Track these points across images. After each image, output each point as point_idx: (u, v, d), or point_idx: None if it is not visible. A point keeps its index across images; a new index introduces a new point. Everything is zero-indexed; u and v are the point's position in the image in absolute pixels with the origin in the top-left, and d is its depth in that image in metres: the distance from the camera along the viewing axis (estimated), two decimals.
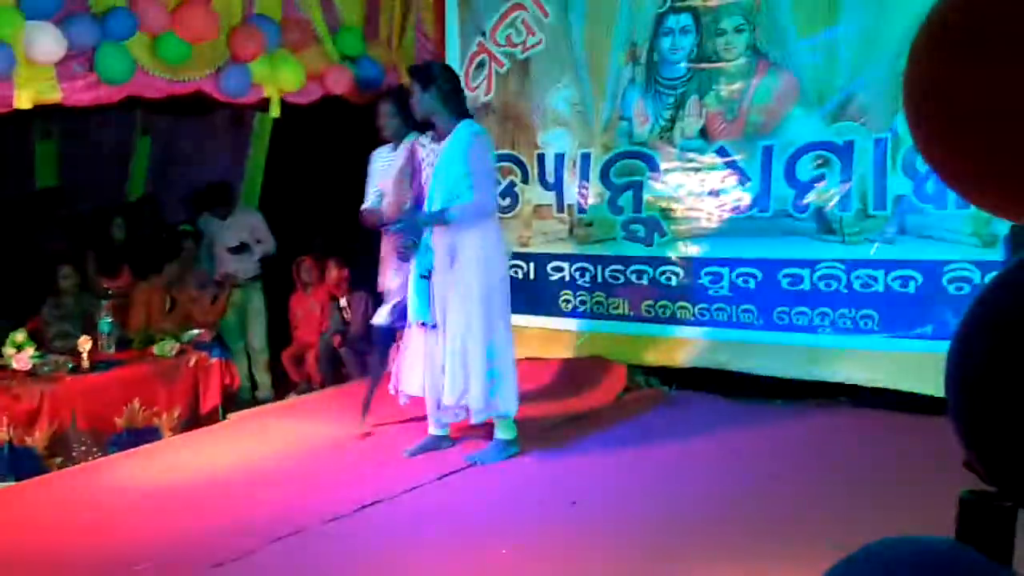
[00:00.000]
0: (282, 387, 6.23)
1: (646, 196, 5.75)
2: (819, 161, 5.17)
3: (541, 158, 6.14)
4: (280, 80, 5.51)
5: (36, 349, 4.95)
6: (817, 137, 5.17)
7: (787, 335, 5.30)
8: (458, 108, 4.33)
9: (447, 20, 6.41)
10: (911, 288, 4.92)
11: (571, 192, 6.03)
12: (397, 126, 4.97)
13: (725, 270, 5.47)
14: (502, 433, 4.43)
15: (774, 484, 3.98)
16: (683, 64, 5.59)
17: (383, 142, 5.12)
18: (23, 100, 4.40)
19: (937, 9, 1.40)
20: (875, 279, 5.03)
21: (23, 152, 7.18)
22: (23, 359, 4.85)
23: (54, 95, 4.52)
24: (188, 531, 3.67)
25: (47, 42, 4.34)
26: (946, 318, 4.77)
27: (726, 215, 5.48)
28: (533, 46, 6.11)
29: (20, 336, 4.91)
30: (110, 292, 5.86)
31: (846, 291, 5.10)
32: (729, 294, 5.47)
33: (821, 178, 5.16)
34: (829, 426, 4.83)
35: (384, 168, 5.02)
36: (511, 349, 4.41)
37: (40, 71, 4.42)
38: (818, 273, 5.18)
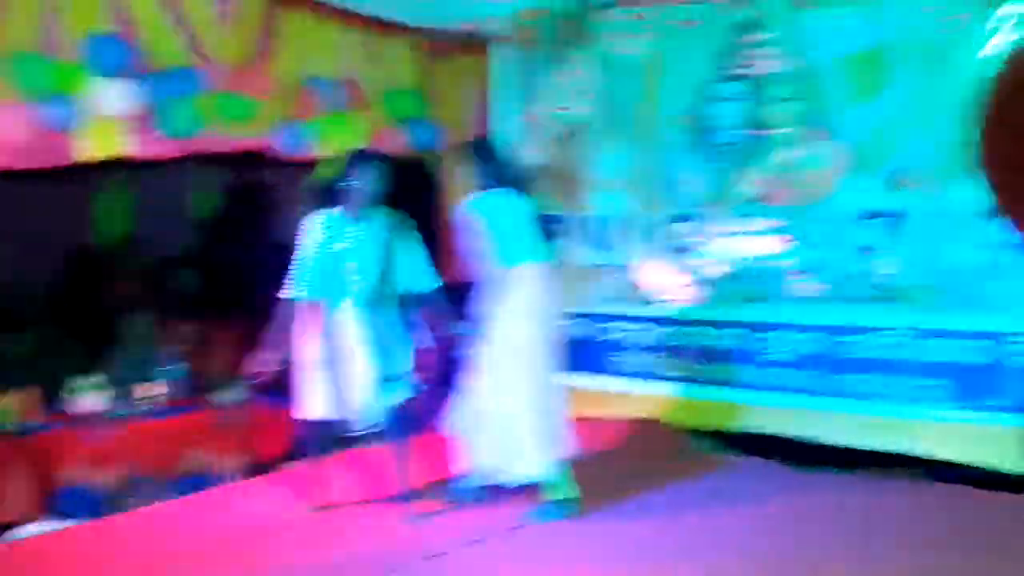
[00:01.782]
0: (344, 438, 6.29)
1: (698, 259, 5.78)
2: (874, 227, 5.17)
3: (592, 220, 6.20)
4: (336, 139, 5.67)
5: (107, 393, 5.10)
6: (872, 204, 5.18)
7: (848, 402, 5.22)
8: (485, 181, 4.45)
9: (498, 85, 6.54)
10: (976, 358, 4.83)
11: (624, 254, 6.08)
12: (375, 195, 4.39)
13: (785, 335, 5.44)
14: (556, 493, 4.44)
15: (834, 557, 3.91)
16: (734, 131, 5.66)
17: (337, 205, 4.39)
18: (90, 154, 4.56)
19: (1005, 91, 1.46)
20: (944, 347, 4.95)
21: (93, 203, 7.45)
22: (95, 402, 5.00)
23: (121, 149, 4.67)
24: None
25: (117, 97, 4.51)
26: (1014, 389, 4.63)
27: (784, 279, 5.48)
28: (584, 110, 6.21)
29: (93, 379, 5.07)
30: (192, 337, 6.04)
31: (909, 359, 5.02)
32: (788, 359, 5.43)
33: (880, 244, 5.15)
34: (893, 499, 4.70)
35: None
36: (536, 411, 4.36)
37: (107, 126, 4.57)
38: (879, 340, 5.13)
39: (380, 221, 4.33)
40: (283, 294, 4.30)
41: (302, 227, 4.32)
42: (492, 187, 4.44)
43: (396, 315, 4.37)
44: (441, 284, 4.50)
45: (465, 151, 4.59)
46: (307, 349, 4.32)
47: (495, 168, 4.50)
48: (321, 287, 4.26)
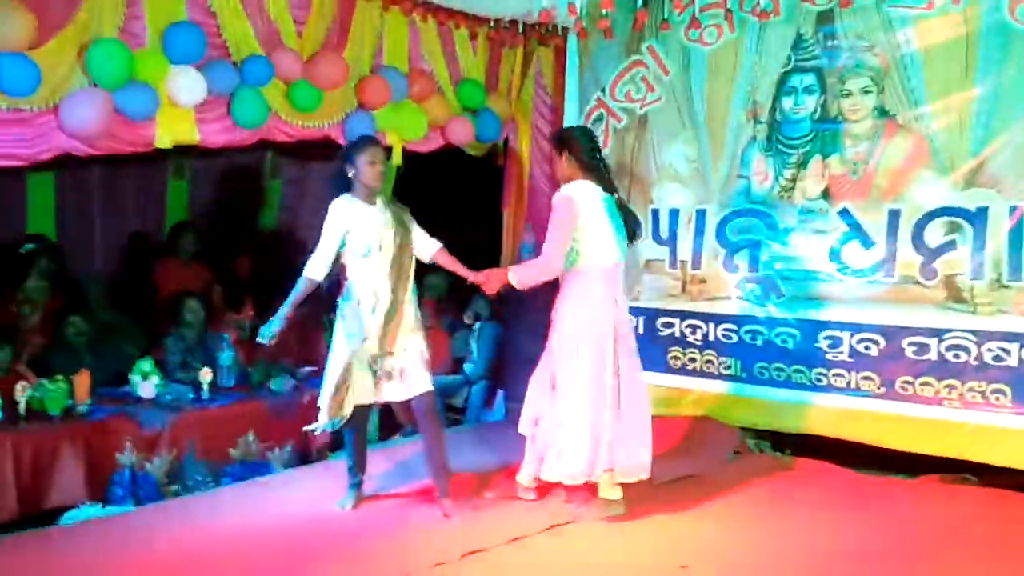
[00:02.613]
0: (388, 429, 6.29)
1: (763, 255, 5.65)
2: (949, 227, 4.99)
3: (656, 213, 6.11)
4: (403, 129, 5.65)
5: (160, 378, 5.14)
6: (947, 202, 5.00)
7: (910, 406, 5.09)
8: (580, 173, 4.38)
9: (567, 75, 6.49)
10: None
11: (685, 248, 5.97)
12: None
13: (845, 335, 5.30)
14: (605, 492, 4.36)
15: (891, 563, 3.81)
16: (806, 123, 5.51)
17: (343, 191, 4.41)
18: (164, 140, 4.63)
19: None
20: (1008, 352, 4.79)
21: (159, 189, 7.55)
22: (148, 387, 5.05)
23: (193, 136, 4.75)
24: (291, 570, 3.72)
25: (189, 86, 4.56)
26: None
27: (848, 278, 5.33)
28: (652, 102, 6.12)
29: (147, 365, 5.11)
30: (247, 324, 6.08)
31: (976, 363, 4.88)
32: (849, 360, 5.29)
33: (951, 245, 4.98)
34: (952, 505, 4.62)
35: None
36: (567, 415, 4.30)
37: (181, 113, 4.65)
38: (945, 343, 4.97)
39: (387, 204, 4.37)
40: (306, 272, 4.28)
41: (330, 210, 4.32)
42: (594, 174, 4.38)
43: (414, 298, 4.37)
44: (440, 244, 4.50)
45: (563, 139, 4.51)
46: (337, 340, 4.32)
47: (594, 153, 4.43)
48: (327, 269, 4.27)
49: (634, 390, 4.39)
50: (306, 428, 4.46)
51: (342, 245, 4.26)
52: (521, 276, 4.37)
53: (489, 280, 4.41)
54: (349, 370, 4.22)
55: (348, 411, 4.26)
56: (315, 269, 4.27)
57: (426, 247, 4.48)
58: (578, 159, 4.38)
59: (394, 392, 4.31)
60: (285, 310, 4.23)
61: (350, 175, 4.32)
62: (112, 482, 4.64)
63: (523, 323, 5.97)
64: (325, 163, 7.72)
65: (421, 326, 4.40)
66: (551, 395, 4.35)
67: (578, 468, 4.26)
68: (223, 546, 3.98)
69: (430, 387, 4.32)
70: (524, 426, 4.54)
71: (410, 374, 4.27)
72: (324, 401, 4.27)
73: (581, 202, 4.29)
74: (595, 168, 4.42)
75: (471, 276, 4.46)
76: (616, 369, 4.31)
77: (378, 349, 4.23)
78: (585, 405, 4.25)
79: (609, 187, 4.47)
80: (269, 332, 4.20)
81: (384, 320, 4.22)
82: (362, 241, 4.24)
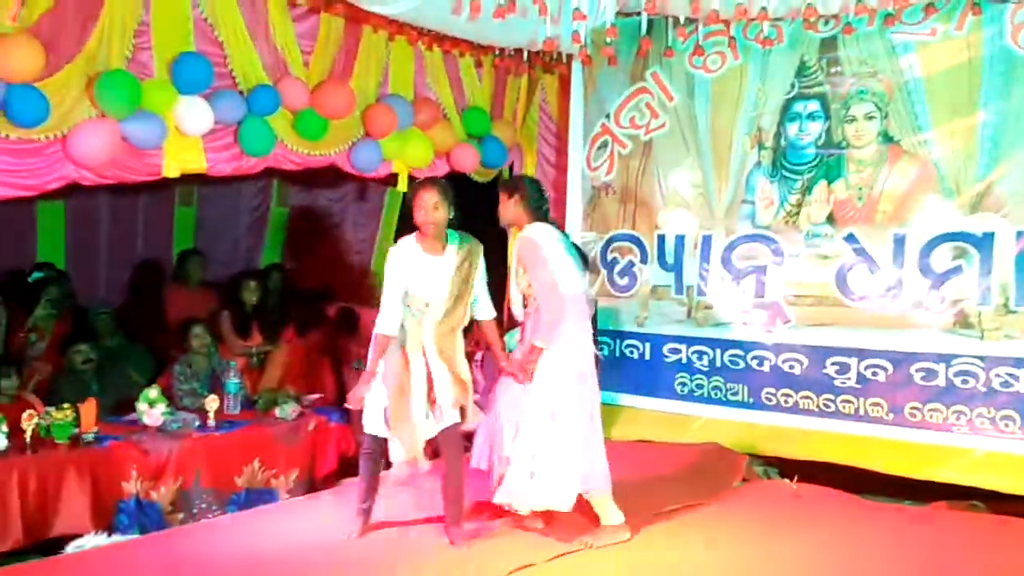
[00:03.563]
0: None
1: (769, 281, 5.65)
2: (956, 252, 4.99)
3: (661, 239, 6.12)
4: (409, 156, 5.69)
5: (167, 406, 5.13)
6: (953, 227, 5.01)
7: (918, 432, 5.07)
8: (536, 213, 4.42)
9: (572, 102, 6.52)
10: None
11: (691, 274, 5.98)
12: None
13: (853, 360, 5.28)
14: (609, 519, 4.33)
15: None
16: (810, 149, 5.53)
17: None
18: (171, 169, 4.66)
19: None
20: (1017, 377, 4.77)
21: (166, 217, 7.58)
22: (155, 415, 5.04)
23: (200, 165, 4.78)
24: None
25: (197, 115, 4.60)
26: None
27: (854, 304, 5.32)
28: (656, 128, 6.15)
29: (153, 392, 5.11)
30: (254, 351, 6.08)
31: (984, 389, 4.86)
32: (856, 386, 5.27)
33: (958, 270, 4.97)
34: (961, 533, 4.56)
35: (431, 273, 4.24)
36: (565, 442, 4.25)
37: (189, 142, 4.68)
38: (953, 369, 4.95)
39: (457, 251, 4.22)
40: (379, 328, 4.20)
41: (389, 256, 4.25)
42: (542, 219, 4.42)
43: (462, 344, 4.30)
44: (496, 315, 4.45)
45: (514, 184, 4.57)
46: (385, 371, 4.25)
47: (541, 201, 4.48)
48: (398, 319, 4.18)
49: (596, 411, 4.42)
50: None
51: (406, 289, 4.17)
52: (547, 338, 4.25)
53: (523, 372, 4.32)
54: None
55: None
56: (386, 324, 4.17)
57: (480, 311, 4.38)
58: (526, 204, 4.40)
59: (428, 430, 4.26)
60: (369, 371, 4.20)
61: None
62: (118, 510, 4.62)
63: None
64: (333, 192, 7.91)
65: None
66: (542, 424, 4.30)
67: (570, 494, 4.24)
68: (229, 574, 3.96)
69: (458, 419, 4.28)
70: (483, 461, 4.50)
71: (441, 408, 4.23)
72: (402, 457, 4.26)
73: (543, 241, 4.31)
74: (544, 214, 4.45)
75: (504, 365, 4.43)
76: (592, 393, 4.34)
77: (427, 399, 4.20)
78: (578, 431, 4.25)
79: (557, 227, 4.54)
80: (357, 396, 4.20)
81: (428, 370, 4.18)
82: (416, 295, 4.15)
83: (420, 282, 4.15)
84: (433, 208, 4.11)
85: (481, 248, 4.33)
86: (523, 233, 4.40)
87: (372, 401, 4.27)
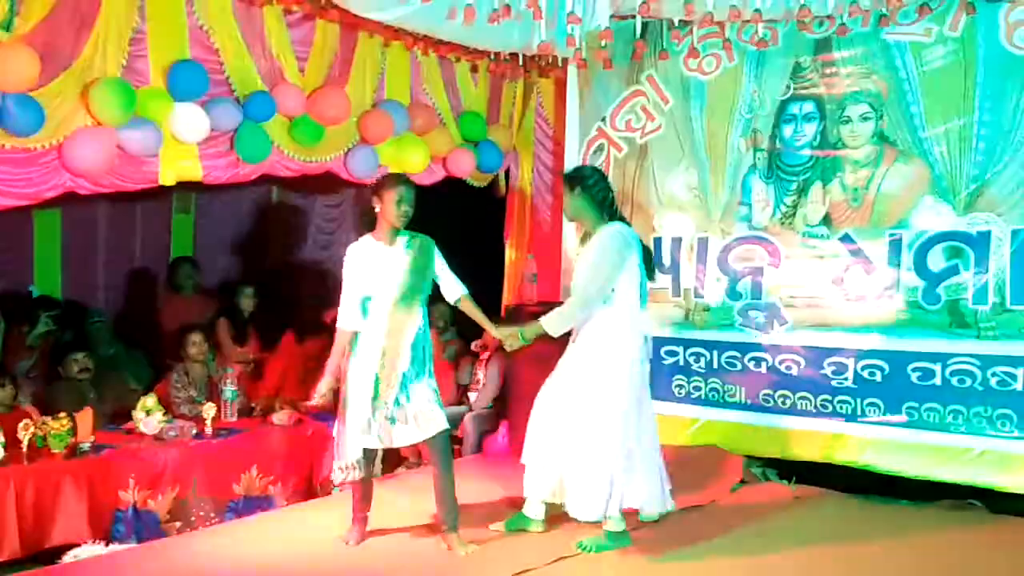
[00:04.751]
0: (392, 461, 6.27)
1: (766, 283, 5.65)
2: (951, 252, 4.99)
3: (658, 241, 6.11)
4: (405, 162, 5.68)
5: (164, 414, 5.12)
6: (949, 227, 5.01)
7: (916, 432, 5.06)
8: (606, 212, 4.37)
9: (568, 106, 6.52)
10: None
11: (688, 276, 5.97)
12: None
13: (850, 361, 5.28)
14: (610, 524, 4.32)
15: None
16: (806, 151, 5.53)
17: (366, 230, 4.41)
18: (168, 177, 4.66)
19: None
20: (1014, 376, 4.77)
21: (162, 225, 7.58)
22: (151, 423, 5.03)
23: (196, 172, 4.78)
24: None
25: (193, 123, 4.60)
26: None
27: (850, 304, 5.32)
28: (652, 131, 6.15)
29: (150, 401, 5.10)
30: (252, 358, 6.07)
31: (981, 388, 4.86)
32: (853, 386, 5.27)
33: (954, 269, 4.97)
34: (959, 532, 4.57)
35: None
36: (607, 448, 4.22)
37: (185, 149, 4.68)
38: (950, 368, 4.95)
39: (409, 244, 4.29)
40: (338, 323, 4.27)
41: (348, 254, 4.31)
42: (614, 215, 4.37)
43: (425, 338, 4.31)
44: (467, 289, 4.46)
45: (577, 175, 4.46)
46: (351, 376, 4.28)
47: (607, 192, 4.41)
48: (360, 316, 4.23)
49: (650, 423, 4.43)
50: (335, 484, 4.39)
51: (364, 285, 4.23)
52: (557, 324, 4.25)
53: (511, 339, 4.36)
54: (357, 438, 4.22)
55: (358, 475, 4.28)
56: (346, 319, 4.23)
57: (450, 290, 4.42)
58: (591, 196, 4.34)
59: (407, 436, 4.26)
60: (331, 367, 4.24)
61: (376, 210, 4.29)
62: (115, 519, 4.60)
63: (528, 354, 5.95)
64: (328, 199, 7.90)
65: (429, 365, 4.33)
66: (582, 427, 4.28)
67: (599, 504, 4.23)
68: None
69: (444, 426, 4.27)
70: (534, 455, 4.49)
71: (422, 416, 4.22)
72: (340, 462, 4.27)
73: (627, 244, 4.26)
74: (612, 209, 4.40)
75: (493, 332, 4.45)
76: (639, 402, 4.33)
77: (386, 395, 4.20)
78: (618, 439, 4.23)
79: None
80: (320, 392, 4.24)
81: (390, 366, 4.18)
82: (372, 285, 4.22)
83: (378, 274, 4.21)
84: (411, 204, 4.25)
85: (433, 242, 4.38)
86: (612, 228, 4.29)
87: (342, 400, 4.29)
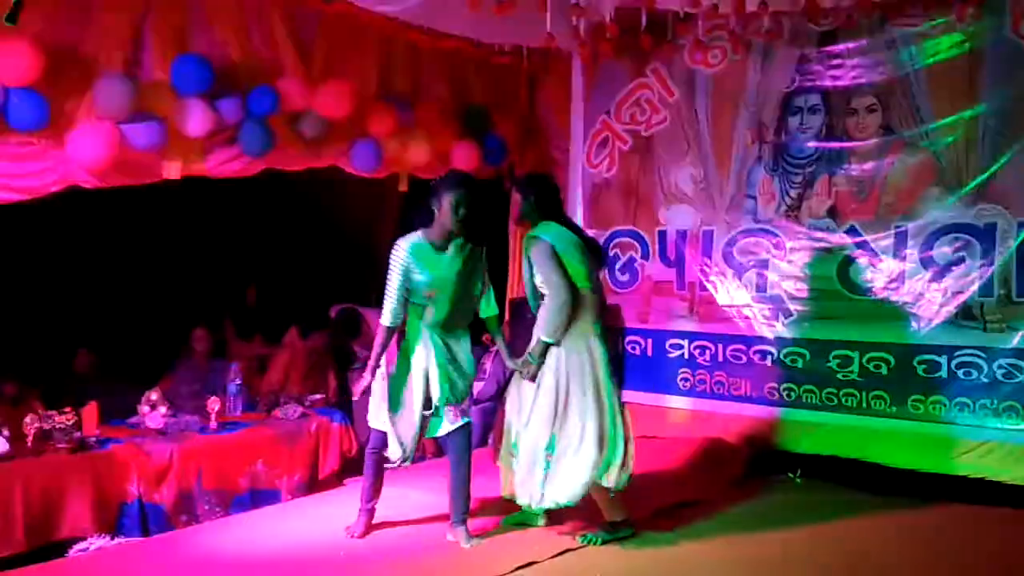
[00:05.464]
0: None
1: (771, 275, 5.63)
2: (958, 244, 4.97)
3: (663, 234, 6.10)
4: (409, 156, 5.67)
5: (168, 408, 5.13)
6: (955, 219, 4.99)
7: (921, 425, 5.05)
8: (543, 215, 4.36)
9: (572, 98, 6.51)
10: None
11: (693, 269, 5.96)
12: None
13: (855, 354, 5.27)
14: (611, 514, 4.32)
15: None
16: (812, 143, 5.51)
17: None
18: (172, 171, 4.66)
19: None
20: (1019, 368, 4.75)
21: (165, 219, 7.56)
22: (156, 417, 5.04)
23: (200, 166, 4.77)
24: None
25: (196, 117, 4.59)
26: None
27: (856, 296, 5.30)
28: (657, 124, 6.14)
29: (155, 395, 5.11)
30: (255, 353, 6.09)
31: (987, 381, 4.84)
32: (859, 379, 5.26)
33: (960, 261, 4.95)
34: (966, 526, 4.56)
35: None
36: (575, 439, 4.19)
37: (188, 144, 4.68)
38: (956, 361, 4.93)
39: (461, 249, 4.23)
40: (382, 320, 4.22)
41: (392, 251, 4.23)
42: (554, 217, 4.37)
43: (467, 341, 4.33)
44: (499, 312, 4.46)
45: (526, 183, 4.50)
46: (388, 365, 4.28)
47: (553, 199, 4.43)
48: (403, 313, 4.21)
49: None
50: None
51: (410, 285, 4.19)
52: (551, 332, 4.21)
53: (525, 366, 4.30)
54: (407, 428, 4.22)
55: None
56: (388, 317, 4.19)
57: (485, 307, 4.41)
58: (537, 203, 4.35)
59: (435, 429, 4.27)
60: (372, 363, 4.20)
61: (434, 210, 4.21)
62: (121, 513, 4.62)
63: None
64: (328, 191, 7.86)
65: (462, 361, 4.32)
66: (550, 420, 4.28)
67: (581, 488, 4.22)
68: (233, 575, 3.97)
69: (467, 419, 4.29)
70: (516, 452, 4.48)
71: (442, 407, 4.23)
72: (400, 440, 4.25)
73: (552, 240, 4.26)
74: (556, 212, 4.40)
75: (508, 363, 4.44)
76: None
77: (433, 390, 4.20)
78: (589, 427, 4.23)
79: (571, 224, 4.47)
80: (361, 388, 4.22)
81: (437, 374, 4.18)
82: (422, 288, 4.18)
83: (426, 276, 4.16)
84: (468, 209, 4.15)
85: (483, 253, 4.36)
86: (533, 232, 4.34)
87: (376, 396, 4.28)
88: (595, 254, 4.43)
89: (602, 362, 4.27)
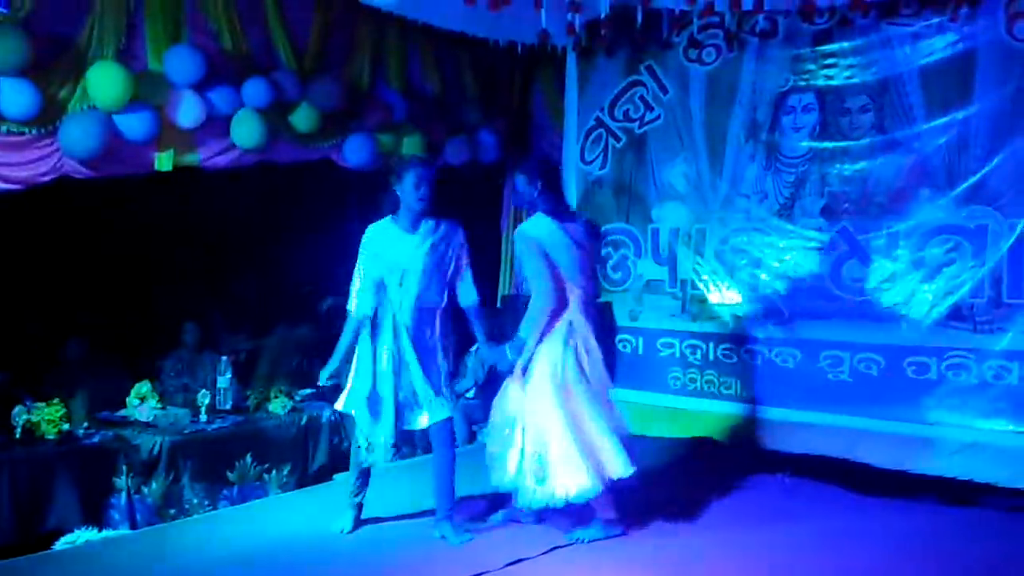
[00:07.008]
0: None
1: (763, 274, 5.63)
2: (949, 245, 4.98)
3: (655, 232, 6.10)
4: (402, 150, 5.66)
5: (157, 401, 5.11)
6: (947, 220, 4.99)
7: (911, 426, 5.05)
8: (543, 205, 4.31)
9: (566, 95, 6.49)
10: None
11: (685, 268, 5.96)
12: None
13: (846, 355, 5.27)
14: (603, 513, 4.32)
15: None
16: (805, 142, 5.51)
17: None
18: (164, 162, 4.64)
19: None
20: (1009, 371, 4.77)
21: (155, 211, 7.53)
22: (145, 410, 5.02)
23: (193, 158, 4.75)
24: None
25: (189, 108, 4.57)
26: None
27: (847, 296, 5.31)
28: (651, 121, 6.13)
29: (144, 388, 5.09)
30: (245, 346, 6.07)
31: (976, 382, 4.85)
32: (849, 380, 5.27)
33: (951, 263, 4.96)
34: (955, 528, 4.54)
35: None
36: (572, 432, 4.18)
37: (181, 135, 4.66)
38: (946, 362, 4.94)
39: (433, 231, 4.20)
40: (348, 307, 4.22)
41: (364, 237, 4.22)
42: (550, 210, 4.32)
43: (442, 328, 4.26)
44: (479, 299, 4.39)
45: (534, 169, 4.38)
46: (359, 353, 4.25)
47: (552, 192, 4.36)
48: (373, 300, 4.18)
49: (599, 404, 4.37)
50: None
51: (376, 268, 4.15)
52: (528, 331, 4.20)
53: (500, 359, 4.30)
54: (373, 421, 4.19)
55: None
56: (356, 304, 4.17)
57: (465, 293, 4.33)
58: (534, 190, 4.28)
59: (413, 420, 4.25)
60: (340, 351, 4.19)
61: (397, 193, 4.17)
62: (108, 506, 4.61)
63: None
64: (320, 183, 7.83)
65: (440, 351, 4.27)
66: (542, 419, 4.27)
67: (591, 483, 4.21)
68: (220, 570, 3.95)
69: (449, 412, 4.26)
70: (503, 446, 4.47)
71: (430, 402, 4.20)
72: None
73: (539, 234, 4.22)
74: (553, 200, 4.34)
75: (483, 352, 4.42)
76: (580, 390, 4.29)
77: (403, 380, 4.18)
78: (581, 425, 4.23)
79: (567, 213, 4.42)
80: (327, 372, 4.19)
81: (405, 353, 4.15)
82: (386, 271, 4.14)
83: (387, 256, 4.13)
84: (430, 187, 4.12)
85: (461, 231, 4.29)
86: (524, 227, 4.32)
87: (349, 381, 4.26)
88: (589, 245, 4.40)
89: (586, 358, 4.25)
